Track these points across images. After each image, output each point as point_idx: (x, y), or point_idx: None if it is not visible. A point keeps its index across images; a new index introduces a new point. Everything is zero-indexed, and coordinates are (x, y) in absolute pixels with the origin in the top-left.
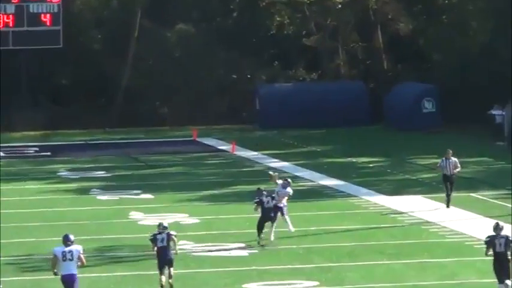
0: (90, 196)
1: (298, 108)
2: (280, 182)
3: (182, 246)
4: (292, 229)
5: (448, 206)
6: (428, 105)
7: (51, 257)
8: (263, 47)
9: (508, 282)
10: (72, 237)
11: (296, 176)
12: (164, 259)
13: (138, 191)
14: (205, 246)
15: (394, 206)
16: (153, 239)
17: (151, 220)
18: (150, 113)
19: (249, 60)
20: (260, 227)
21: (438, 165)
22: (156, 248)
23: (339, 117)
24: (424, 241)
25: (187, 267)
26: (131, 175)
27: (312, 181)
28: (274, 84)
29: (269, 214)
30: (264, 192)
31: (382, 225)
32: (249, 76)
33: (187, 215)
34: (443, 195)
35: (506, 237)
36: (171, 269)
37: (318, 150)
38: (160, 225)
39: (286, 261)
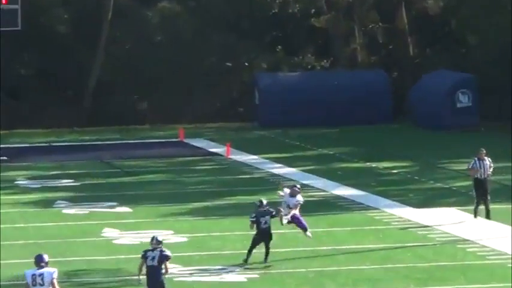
0: (55, 209)
1: (306, 103)
2: (286, 190)
3: None
4: (310, 234)
5: (488, 216)
6: (463, 99)
7: (24, 282)
8: (263, 29)
9: None
10: (46, 257)
11: (304, 184)
12: (154, 282)
13: (113, 204)
14: (195, 269)
15: (423, 220)
16: (143, 256)
17: (128, 238)
18: (127, 109)
19: (246, 44)
20: (252, 246)
21: (470, 166)
22: (145, 267)
23: (356, 114)
24: (460, 263)
25: None
26: (104, 184)
27: (323, 191)
28: (277, 74)
29: (265, 235)
30: (261, 209)
31: (408, 244)
32: (246, 64)
33: (172, 232)
34: (481, 207)
35: None
36: None
37: (331, 153)
38: (153, 239)
39: (292, 287)
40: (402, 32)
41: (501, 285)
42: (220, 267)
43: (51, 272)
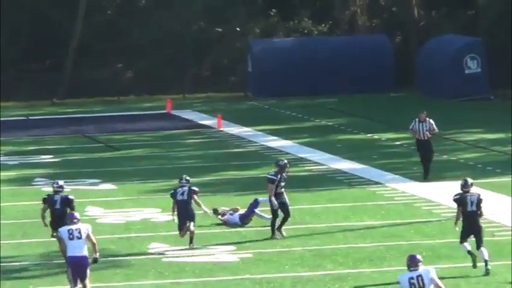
0: (34, 187)
1: (303, 71)
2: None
3: (154, 249)
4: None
5: (425, 178)
6: (472, 65)
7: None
8: None
9: (483, 250)
10: (77, 215)
11: (301, 158)
12: (185, 214)
13: (96, 180)
14: (184, 249)
15: (428, 195)
16: (173, 193)
17: (112, 217)
18: (111, 79)
19: (238, 8)
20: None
21: (410, 127)
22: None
23: (356, 82)
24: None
25: (161, 277)
26: (86, 160)
27: (321, 164)
28: (271, 40)
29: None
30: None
31: (412, 221)
32: (238, 29)
33: (159, 210)
34: (491, 180)
35: (478, 195)
36: (192, 223)
37: (329, 124)
38: (182, 178)
39: (288, 267)
40: None
41: (510, 262)
42: (211, 246)
43: (87, 226)
